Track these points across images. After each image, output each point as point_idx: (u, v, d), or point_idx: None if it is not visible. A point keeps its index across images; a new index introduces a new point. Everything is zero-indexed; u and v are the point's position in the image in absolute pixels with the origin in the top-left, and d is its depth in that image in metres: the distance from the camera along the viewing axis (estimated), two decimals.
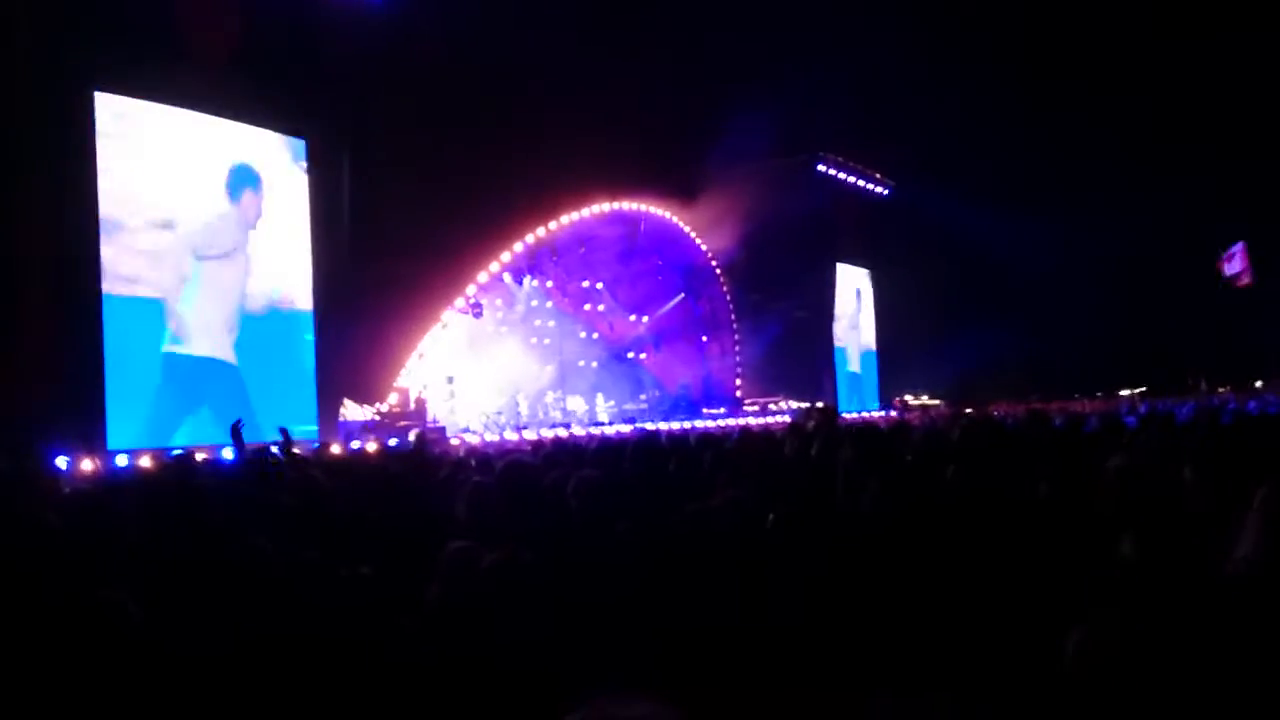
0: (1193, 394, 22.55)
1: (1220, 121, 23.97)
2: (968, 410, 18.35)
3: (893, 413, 25.55)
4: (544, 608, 2.50)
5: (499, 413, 19.30)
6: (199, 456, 9.03)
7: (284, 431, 7.05)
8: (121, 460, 11.63)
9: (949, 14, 22.24)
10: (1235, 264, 24.66)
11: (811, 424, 7.47)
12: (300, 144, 16.13)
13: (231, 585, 3.00)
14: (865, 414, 24.91)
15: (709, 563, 2.75)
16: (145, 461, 10.66)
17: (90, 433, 12.11)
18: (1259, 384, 23.30)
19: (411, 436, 11.71)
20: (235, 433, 6.52)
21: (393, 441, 13.47)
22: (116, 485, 7.18)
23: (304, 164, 16.16)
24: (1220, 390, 23.84)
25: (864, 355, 31.25)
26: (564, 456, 6.74)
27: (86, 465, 10.51)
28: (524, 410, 19.96)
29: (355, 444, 13.67)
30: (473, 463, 6.98)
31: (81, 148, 12.86)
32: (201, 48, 13.09)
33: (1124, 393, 25.34)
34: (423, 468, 6.77)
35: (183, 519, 4.10)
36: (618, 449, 7.12)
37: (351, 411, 15.68)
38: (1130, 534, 2.63)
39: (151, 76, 13.49)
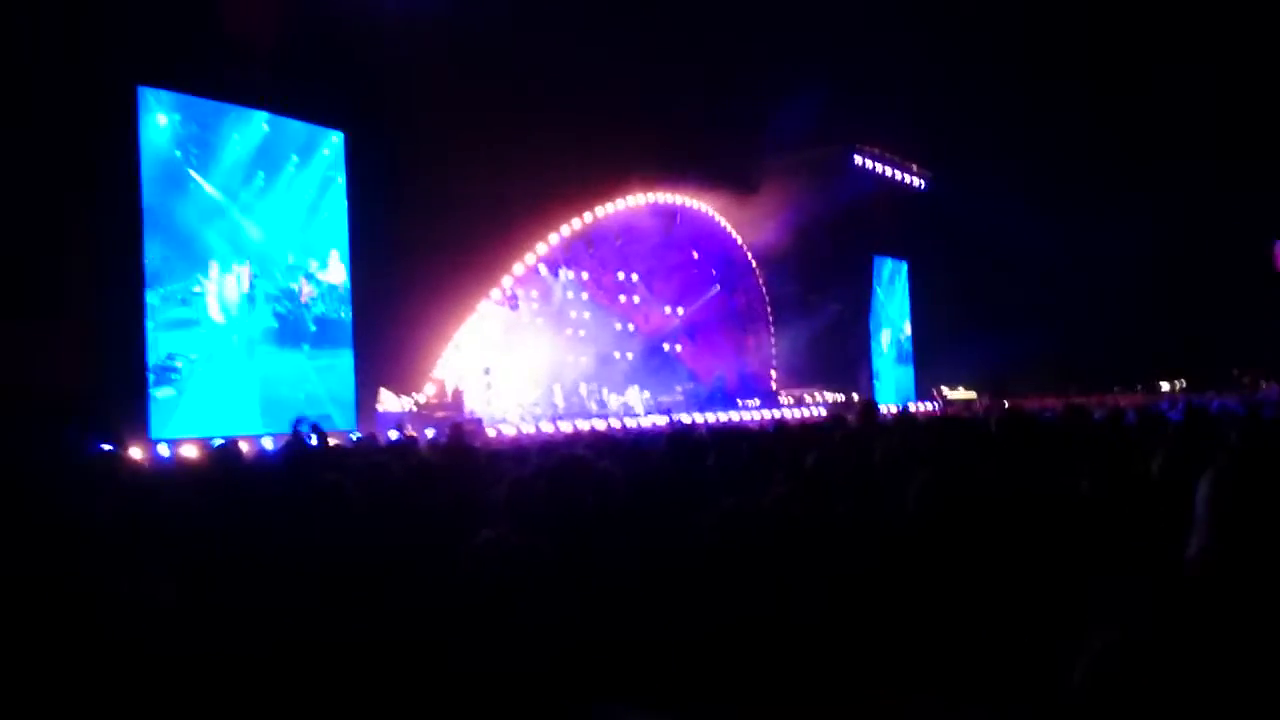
0: (1234, 388, 22.23)
1: (1264, 112, 23.55)
2: (1004, 404, 18.17)
3: (932, 405, 25.35)
4: (562, 602, 2.46)
5: (535, 404, 19.35)
6: (243, 446, 9.10)
7: (315, 426, 7.07)
8: (163, 449, 11.80)
9: (992, 5, 21.99)
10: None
11: (852, 417, 7.44)
12: (340, 137, 16.26)
13: (272, 579, 3.02)
14: (903, 406, 24.70)
15: (749, 563, 2.71)
16: (189, 451, 10.79)
17: (134, 422, 12.30)
18: None
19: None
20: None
21: (430, 433, 13.54)
22: (163, 474, 7.26)
23: (343, 157, 16.28)
24: (1263, 384, 23.48)
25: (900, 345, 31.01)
26: (603, 448, 6.74)
27: (132, 454, 10.65)
28: (560, 402, 20.01)
29: (394, 434, 13.75)
30: (512, 455, 7.00)
31: (124, 140, 13.07)
32: (243, 42, 13.23)
33: (1164, 386, 25.03)
34: (461, 458, 6.78)
35: (228, 509, 4.13)
36: (654, 442, 7.11)
37: (388, 402, 15.78)
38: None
39: (193, 70, 13.66)
